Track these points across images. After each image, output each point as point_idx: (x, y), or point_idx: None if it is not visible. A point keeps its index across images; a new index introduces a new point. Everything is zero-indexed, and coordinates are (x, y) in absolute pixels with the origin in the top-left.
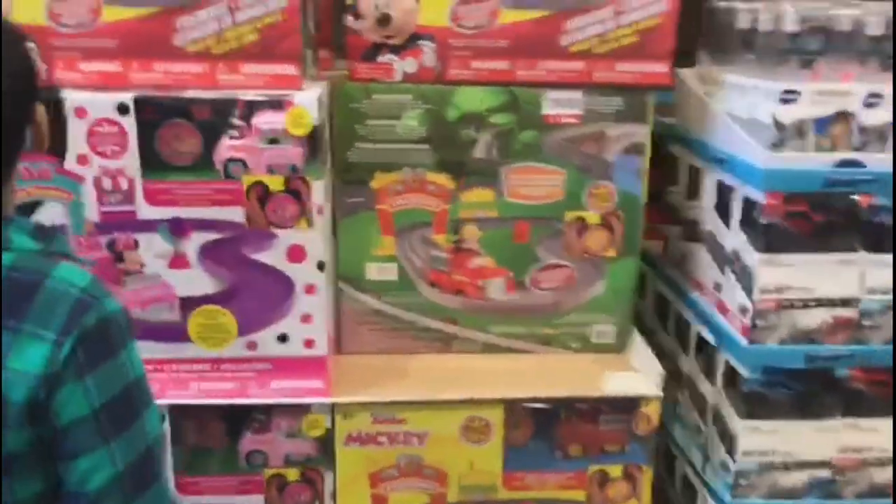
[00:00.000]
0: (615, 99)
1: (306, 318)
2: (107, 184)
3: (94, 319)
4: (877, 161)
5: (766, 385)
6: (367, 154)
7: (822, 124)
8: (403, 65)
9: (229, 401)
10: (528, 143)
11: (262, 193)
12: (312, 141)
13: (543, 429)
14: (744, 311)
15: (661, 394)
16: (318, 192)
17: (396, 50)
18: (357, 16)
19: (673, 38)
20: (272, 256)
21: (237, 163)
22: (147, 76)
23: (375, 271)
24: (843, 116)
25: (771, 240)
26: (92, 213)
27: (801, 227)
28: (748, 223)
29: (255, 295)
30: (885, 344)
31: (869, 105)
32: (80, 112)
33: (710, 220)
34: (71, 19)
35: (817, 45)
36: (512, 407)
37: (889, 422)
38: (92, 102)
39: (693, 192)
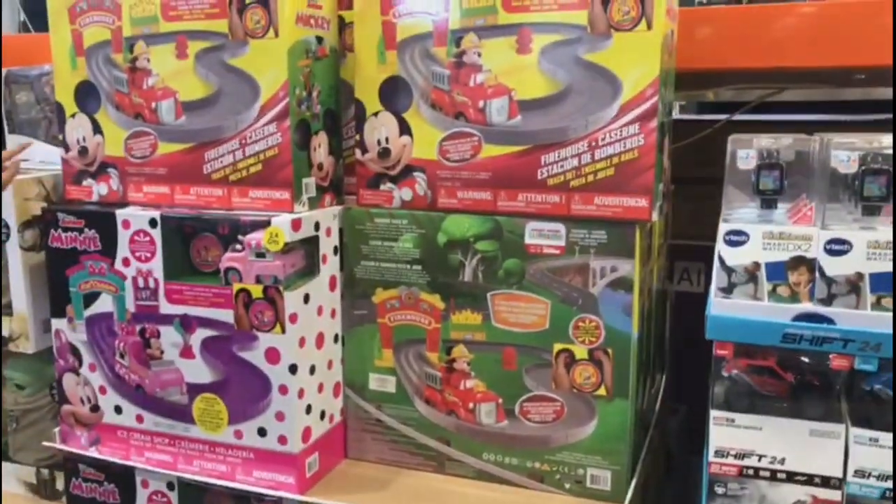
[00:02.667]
0: (598, 231)
1: (280, 416)
2: (140, 282)
3: None
4: (851, 318)
5: None
6: (371, 271)
7: (777, 270)
8: (401, 193)
9: (218, 481)
10: (512, 270)
11: (247, 299)
12: (290, 256)
13: None
14: None
15: None
16: (290, 301)
17: (395, 180)
18: (364, 149)
19: (652, 172)
20: (254, 356)
21: (234, 271)
22: (185, 198)
23: (376, 382)
24: (803, 262)
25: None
26: (130, 304)
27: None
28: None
29: (242, 389)
30: None
31: (834, 253)
32: (126, 224)
33: None
34: (138, 153)
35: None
36: None
37: None
38: (132, 216)
39: None
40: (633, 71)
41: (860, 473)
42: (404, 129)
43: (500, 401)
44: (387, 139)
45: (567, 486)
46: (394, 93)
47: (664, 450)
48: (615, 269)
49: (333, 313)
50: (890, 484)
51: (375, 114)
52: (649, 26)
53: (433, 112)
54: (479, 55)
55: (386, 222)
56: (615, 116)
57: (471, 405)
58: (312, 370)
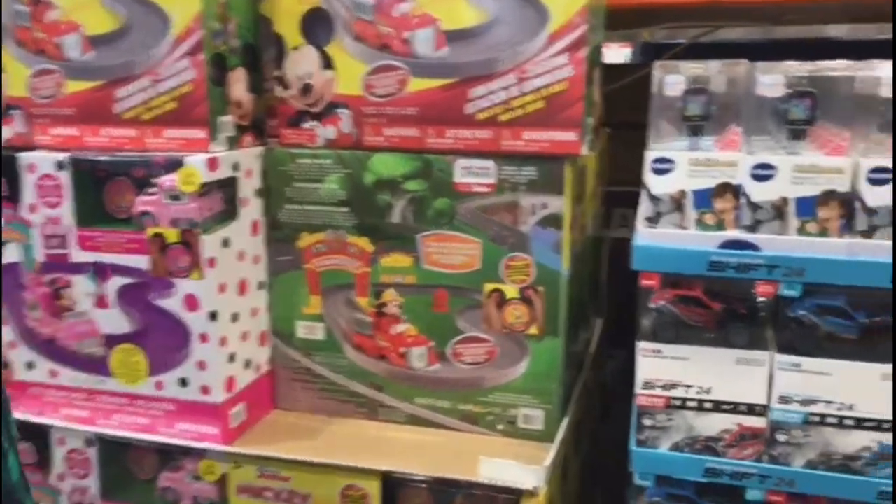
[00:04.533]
0: (528, 168)
1: (202, 365)
2: (49, 229)
3: None
4: (776, 243)
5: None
6: (295, 214)
7: (703, 197)
8: (325, 131)
9: (140, 435)
10: (442, 210)
11: (162, 244)
12: (207, 198)
13: None
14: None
15: (540, 487)
16: (207, 245)
17: (318, 117)
18: (285, 86)
19: (582, 105)
20: (172, 304)
21: (148, 216)
22: (95, 139)
23: (304, 329)
24: (729, 189)
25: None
26: (39, 254)
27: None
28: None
29: (161, 338)
30: (807, 467)
31: (760, 178)
32: (31, 168)
33: None
34: (43, 92)
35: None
36: (389, 481)
37: None
38: (38, 159)
39: None
40: None
41: (784, 399)
42: (327, 63)
43: (432, 344)
44: (309, 74)
45: (500, 427)
46: (315, 25)
47: (600, 394)
48: (545, 205)
49: (257, 259)
50: (813, 409)
51: (296, 48)
52: None
53: (357, 45)
54: None
55: (309, 162)
56: (543, 46)
57: (402, 350)
58: (235, 318)
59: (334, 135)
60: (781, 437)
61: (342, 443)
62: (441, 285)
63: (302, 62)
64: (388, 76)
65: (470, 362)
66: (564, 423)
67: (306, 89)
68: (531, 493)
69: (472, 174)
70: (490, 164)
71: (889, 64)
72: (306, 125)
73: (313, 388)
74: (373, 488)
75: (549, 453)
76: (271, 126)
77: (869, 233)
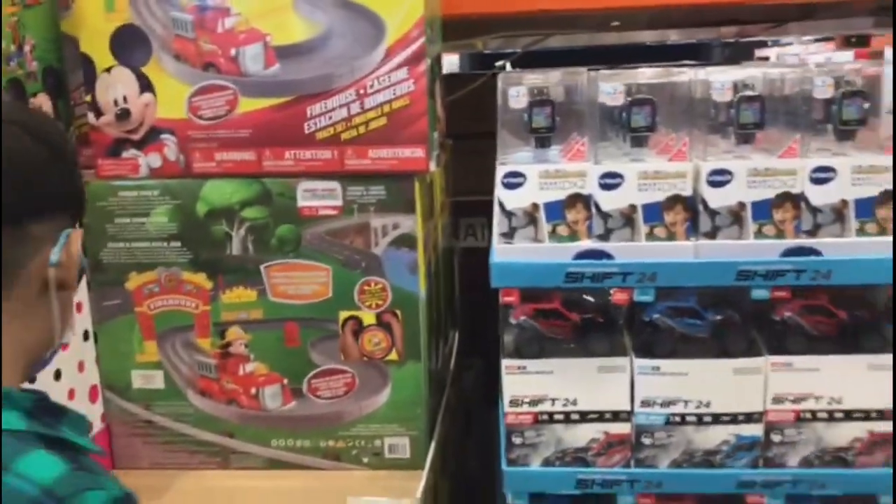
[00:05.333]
0: (376, 187)
1: None
2: None
3: None
4: (628, 250)
5: None
6: (120, 253)
7: (555, 210)
8: (147, 160)
9: None
10: (286, 237)
11: None
12: None
13: None
14: None
15: None
16: None
17: (139, 145)
18: (98, 112)
19: (426, 120)
20: None
21: None
22: None
23: (140, 379)
24: (579, 199)
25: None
26: None
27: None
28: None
29: None
30: (673, 467)
31: (607, 187)
32: None
33: None
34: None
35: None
36: None
37: None
38: None
39: None
40: (397, 10)
41: (646, 403)
42: (145, 85)
43: (286, 381)
44: (125, 98)
45: (365, 459)
46: (128, 44)
47: (462, 407)
48: (397, 225)
49: (79, 307)
50: (673, 409)
51: (108, 69)
52: None
53: (178, 64)
54: None
55: (133, 195)
56: (382, 60)
57: (253, 390)
58: (58, 375)
59: (159, 163)
60: (646, 441)
61: (192, 500)
62: (291, 318)
63: (116, 85)
64: (216, 97)
65: (328, 396)
66: (432, 447)
67: (123, 115)
68: None
69: (317, 197)
70: (335, 185)
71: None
72: (126, 154)
73: (156, 442)
74: None
75: (420, 482)
76: (85, 157)
77: (712, 233)
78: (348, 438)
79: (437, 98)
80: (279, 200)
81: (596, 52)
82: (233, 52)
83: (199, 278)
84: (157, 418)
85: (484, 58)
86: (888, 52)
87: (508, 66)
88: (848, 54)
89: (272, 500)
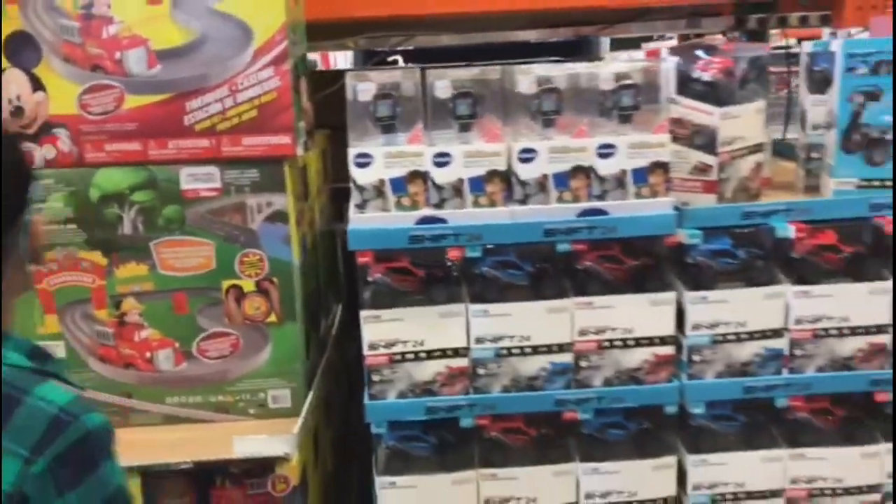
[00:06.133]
0: (251, 171)
1: None
2: None
3: (72, 437)
4: (458, 216)
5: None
6: None
7: (398, 184)
8: (43, 151)
9: None
10: (172, 217)
11: None
12: None
13: (203, 496)
14: None
15: (292, 454)
16: None
17: (34, 138)
18: None
19: (291, 111)
20: None
21: None
22: None
23: None
24: (418, 175)
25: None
26: None
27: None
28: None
29: None
30: (503, 392)
31: (440, 164)
32: None
33: None
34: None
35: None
36: (149, 477)
37: None
38: None
39: None
40: (262, 18)
41: (479, 340)
42: (37, 85)
43: (177, 345)
44: (18, 97)
45: (251, 411)
46: (20, 48)
47: (347, 374)
48: (270, 203)
49: None
50: (501, 344)
51: (2, 71)
52: None
53: (67, 66)
54: (109, 7)
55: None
56: (251, 61)
57: (148, 354)
58: None
59: (53, 154)
60: (481, 372)
61: None
62: (179, 288)
63: (10, 85)
64: (104, 95)
65: (216, 356)
66: (310, 397)
67: (17, 112)
68: (284, 459)
69: (198, 181)
70: (214, 169)
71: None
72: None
73: None
74: (133, 487)
75: (297, 423)
76: None
77: (524, 200)
78: (235, 393)
79: (303, 92)
80: (164, 185)
81: (463, 50)
82: (117, 55)
83: (95, 256)
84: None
85: (359, 55)
86: (664, 52)
87: (401, 61)
88: (640, 54)
89: (169, 448)
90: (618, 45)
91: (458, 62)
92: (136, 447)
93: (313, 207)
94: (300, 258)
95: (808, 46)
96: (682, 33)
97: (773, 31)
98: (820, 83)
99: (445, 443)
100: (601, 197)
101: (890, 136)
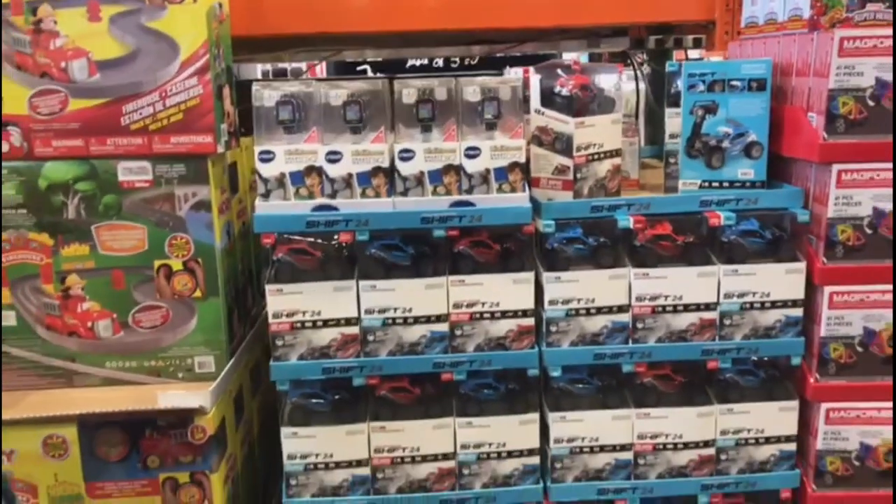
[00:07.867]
0: (178, 165)
1: None
2: None
3: None
4: (348, 205)
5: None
6: None
7: (297, 177)
8: None
9: None
10: (110, 204)
11: None
12: None
13: (134, 444)
14: None
15: (207, 407)
16: None
17: None
18: None
19: (213, 115)
20: None
21: None
22: None
23: None
24: (313, 170)
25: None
26: None
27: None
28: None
29: None
30: (389, 356)
31: (332, 161)
32: None
33: None
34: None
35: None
36: (85, 425)
37: None
38: None
39: None
40: (187, 35)
41: (368, 311)
42: None
43: (115, 316)
44: None
45: (180, 375)
46: None
47: None
48: (195, 194)
49: None
50: (387, 315)
51: None
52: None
53: (19, 73)
54: (56, 23)
55: None
56: (178, 72)
57: (89, 324)
58: None
59: (7, 148)
60: (370, 338)
61: (40, 405)
62: (117, 266)
63: None
64: (51, 98)
65: (149, 326)
66: (231, 362)
67: None
68: (201, 411)
69: (134, 173)
70: (147, 164)
71: (406, 82)
72: None
73: (11, 368)
74: (70, 434)
75: (215, 382)
76: None
77: (405, 192)
78: (166, 359)
79: (227, 99)
80: (104, 176)
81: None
82: (63, 64)
83: (43, 237)
84: (11, 350)
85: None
86: (513, 72)
87: (370, 71)
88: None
89: (104, 401)
90: (526, 62)
91: (392, 74)
92: (77, 402)
93: (243, 200)
94: (222, 242)
95: (667, 67)
96: (591, 52)
97: (674, 51)
98: (676, 98)
99: (341, 399)
100: (469, 191)
101: (726, 144)
